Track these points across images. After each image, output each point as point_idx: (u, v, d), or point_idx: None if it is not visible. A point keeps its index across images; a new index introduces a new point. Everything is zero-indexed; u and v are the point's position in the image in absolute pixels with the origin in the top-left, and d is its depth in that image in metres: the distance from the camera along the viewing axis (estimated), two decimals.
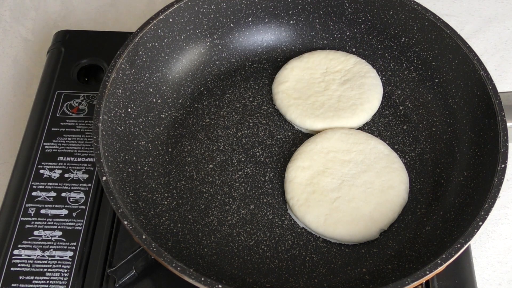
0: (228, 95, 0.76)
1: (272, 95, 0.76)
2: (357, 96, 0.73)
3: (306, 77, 0.76)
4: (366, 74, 0.75)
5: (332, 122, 0.72)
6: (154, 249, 0.55)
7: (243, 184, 0.70)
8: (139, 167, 0.68)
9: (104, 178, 0.59)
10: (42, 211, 0.68)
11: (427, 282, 0.65)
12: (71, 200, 0.69)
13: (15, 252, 0.65)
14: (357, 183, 0.67)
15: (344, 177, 0.68)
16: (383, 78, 0.77)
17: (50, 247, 0.66)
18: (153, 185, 0.68)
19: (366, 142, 0.70)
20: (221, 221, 0.67)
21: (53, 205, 0.69)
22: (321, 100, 0.74)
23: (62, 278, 0.64)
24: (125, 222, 0.57)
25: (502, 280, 0.71)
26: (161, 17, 0.71)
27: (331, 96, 0.74)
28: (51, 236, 0.66)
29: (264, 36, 0.79)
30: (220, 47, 0.78)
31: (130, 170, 0.66)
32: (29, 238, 0.66)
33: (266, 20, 0.79)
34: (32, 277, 0.64)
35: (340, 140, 0.70)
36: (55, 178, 0.71)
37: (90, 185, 0.70)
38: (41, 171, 0.71)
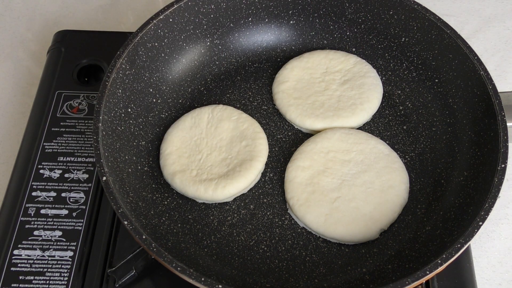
0: (228, 95, 0.76)
1: (272, 95, 0.76)
2: (357, 95, 0.73)
3: (306, 77, 0.76)
4: (366, 74, 0.75)
5: (332, 122, 0.72)
6: (154, 249, 0.55)
7: None
8: (139, 167, 0.68)
9: (104, 178, 0.59)
10: (42, 211, 0.68)
11: (427, 282, 0.65)
12: (71, 200, 0.69)
13: (15, 252, 0.65)
14: (357, 183, 0.67)
15: (344, 177, 0.68)
16: (383, 78, 0.77)
17: (50, 247, 0.66)
18: (153, 185, 0.68)
19: (366, 142, 0.70)
20: (221, 221, 0.67)
21: (53, 205, 0.69)
22: (321, 100, 0.74)
23: (62, 278, 0.64)
24: (125, 222, 0.57)
25: (502, 280, 0.71)
26: (161, 17, 0.71)
27: (331, 96, 0.74)
28: (51, 236, 0.66)
29: (264, 36, 0.79)
30: (220, 47, 0.78)
31: (130, 170, 0.66)
32: (29, 238, 0.66)
33: (266, 20, 0.79)
34: (32, 277, 0.64)
35: (340, 140, 0.70)
36: (55, 178, 0.71)
37: (90, 185, 0.70)
38: (41, 171, 0.71)
